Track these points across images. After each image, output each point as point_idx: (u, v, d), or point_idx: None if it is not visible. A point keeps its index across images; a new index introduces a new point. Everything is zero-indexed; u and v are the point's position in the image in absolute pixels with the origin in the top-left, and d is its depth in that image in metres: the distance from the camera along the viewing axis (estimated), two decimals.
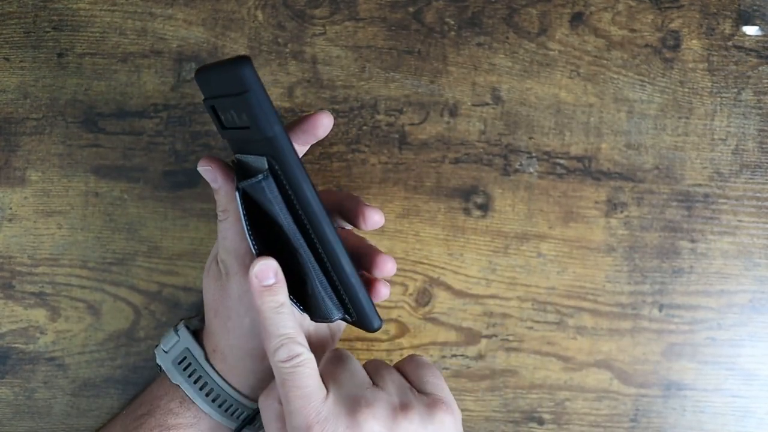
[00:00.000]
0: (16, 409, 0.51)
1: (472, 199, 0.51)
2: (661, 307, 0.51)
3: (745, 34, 0.52)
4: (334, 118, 0.51)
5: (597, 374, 0.51)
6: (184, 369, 0.45)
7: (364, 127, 0.51)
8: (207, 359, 0.45)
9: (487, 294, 0.51)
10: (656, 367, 0.51)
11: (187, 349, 0.45)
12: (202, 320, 0.49)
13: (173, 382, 0.45)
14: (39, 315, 0.51)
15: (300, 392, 0.38)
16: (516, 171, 0.51)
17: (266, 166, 0.37)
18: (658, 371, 0.51)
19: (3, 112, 0.51)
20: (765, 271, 0.51)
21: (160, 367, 0.47)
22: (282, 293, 0.39)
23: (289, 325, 0.39)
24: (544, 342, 0.51)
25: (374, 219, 0.41)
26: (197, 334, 0.47)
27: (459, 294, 0.51)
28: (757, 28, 0.52)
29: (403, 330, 0.51)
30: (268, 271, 0.39)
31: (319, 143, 0.51)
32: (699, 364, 0.51)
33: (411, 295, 0.51)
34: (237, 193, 0.39)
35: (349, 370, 0.40)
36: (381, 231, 0.51)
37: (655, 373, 0.51)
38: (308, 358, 0.39)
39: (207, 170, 0.42)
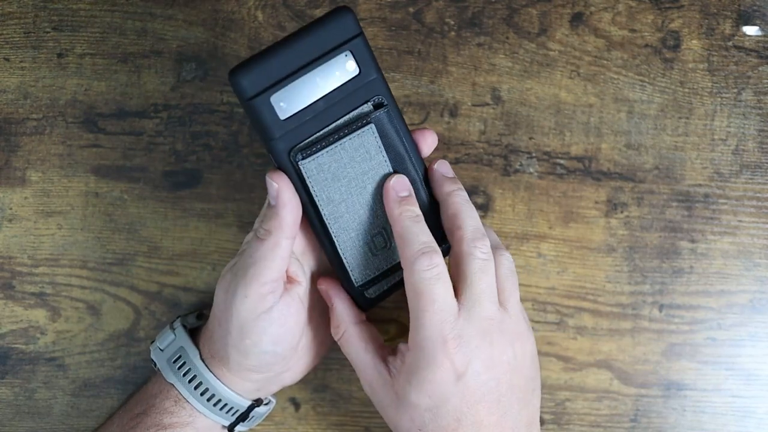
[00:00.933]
0: (16, 409, 0.51)
1: (472, 199, 0.51)
2: (661, 308, 0.51)
3: (745, 35, 0.52)
4: None
5: (597, 374, 0.51)
6: (179, 368, 0.44)
7: None
8: (202, 359, 0.44)
9: None
10: (656, 367, 0.51)
11: (183, 348, 0.45)
12: (199, 317, 0.49)
13: (168, 380, 0.45)
14: (39, 315, 0.51)
15: (436, 306, 0.39)
16: (516, 171, 0.51)
17: (371, 108, 0.40)
18: (659, 371, 0.51)
19: (3, 112, 0.51)
20: (765, 271, 0.51)
21: (154, 362, 0.47)
22: (417, 205, 0.41)
23: (428, 234, 0.40)
24: (545, 342, 0.51)
25: (428, 142, 0.43)
26: (194, 332, 0.47)
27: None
28: (757, 28, 0.52)
29: (403, 330, 0.51)
30: (404, 183, 0.41)
31: None
32: (699, 364, 0.51)
33: None
34: (340, 144, 0.40)
35: (478, 288, 0.40)
36: None
37: (655, 374, 0.51)
38: (445, 271, 0.40)
39: (272, 184, 0.40)
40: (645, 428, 0.51)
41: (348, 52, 0.39)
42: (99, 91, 0.51)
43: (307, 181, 0.40)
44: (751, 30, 0.52)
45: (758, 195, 0.51)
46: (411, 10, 0.52)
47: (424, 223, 0.40)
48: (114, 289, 0.51)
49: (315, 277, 0.44)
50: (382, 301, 0.44)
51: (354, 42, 0.38)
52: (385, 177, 0.41)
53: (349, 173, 0.40)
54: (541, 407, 0.51)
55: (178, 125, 0.51)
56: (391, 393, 0.41)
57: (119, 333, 0.51)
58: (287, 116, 0.38)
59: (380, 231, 0.42)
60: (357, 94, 0.39)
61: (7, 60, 0.51)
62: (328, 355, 0.50)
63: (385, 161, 0.41)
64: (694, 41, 0.52)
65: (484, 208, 0.51)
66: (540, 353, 0.51)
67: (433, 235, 0.41)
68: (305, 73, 0.38)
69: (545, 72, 0.52)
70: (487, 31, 0.52)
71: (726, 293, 0.51)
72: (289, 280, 0.42)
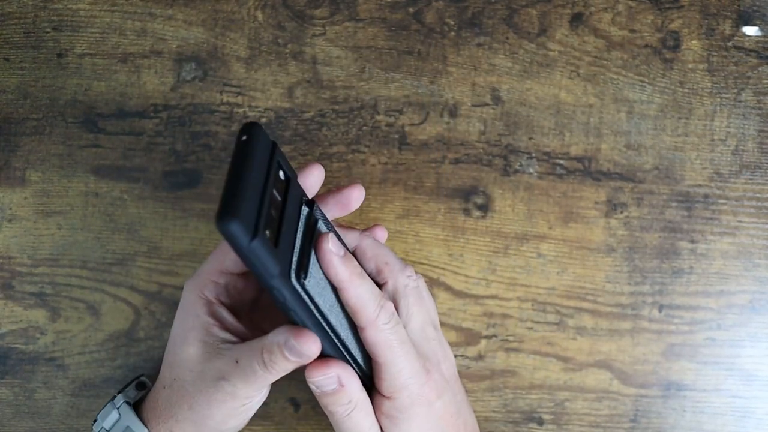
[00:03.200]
0: (16, 409, 0.51)
1: (471, 199, 0.51)
2: (660, 308, 0.51)
3: (745, 35, 0.52)
4: (334, 118, 0.51)
5: (597, 375, 0.51)
6: None
7: (364, 128, 0.51)
8: None
9: (487, 294, 0.51)
10: (656, 367, 0.51)
11: (129, 428, 0.44)
12: (139, 386, 0.47)
13: None
14: (39, 315, 0.51)
15: (405, 349, 0.41)
16: (516, 171, 0.51)
17: (308, 209, 0.40)
18: (658, 372, 0.51)
19: (3, 112, 0.51)
20: (765, 271, 0.51)
21: None
22: (353, 261, 0.40)
23: (374, 287, 0.41)
24: (544, 342, 0.51)
25: (353, 195, 0.43)
26: (137, 406, 0.45)
27: (459, 294, 0.51)
28: (757, 28, 0.52)
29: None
30: (336, 242, 0.39)
31: (319, 144, 0.51)
32: (699, 365, 0.51)
33: None
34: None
35: (418, 321, 0.43)
36: None
37: (654, 374, 0.51)
38: (396, 315, 0.41)
39: (333, 377, 0.39)
40: (644, 428, 0.51)
41: (278, 162, 0.36)
42: (99, 91, 0.51)
43: (315, 299, 0.37)
44: (750, 30, 0.52)
45: (758, 195, 0.51)
46: (411, 10, 0.52)
47: (366, 276, 0.40)
48: (114, 290, 0.51)
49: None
50: None
51: (276, 152, 0.36)
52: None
53: (321, 272, 0.39)
54: (541, 407, 0.51)
55: (177, 125, 0.51)
56: None
57: (119, 333, 0.51)
58: (276, 243, 0.35)
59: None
60: (294, 199, 0.38)
61: (7, 60, 0.51)
62: None
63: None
64: (693, 41, 0.52)
65: (483, 209, 0.51)
66: (540, 353, 0.51)
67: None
68: (266, 196, 0.35)
69: (545, 72, 0.52)
70: (487, 31, 0.52)
71: (726, 294, 0.51)
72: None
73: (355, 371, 0.41)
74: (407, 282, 0.42)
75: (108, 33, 0.51)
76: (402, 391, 0.40)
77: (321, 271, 0.39)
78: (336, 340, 0.40)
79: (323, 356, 0.39)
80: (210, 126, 0.51)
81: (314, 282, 0.38)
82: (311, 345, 0.37)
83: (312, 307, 0.37)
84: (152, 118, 0.51)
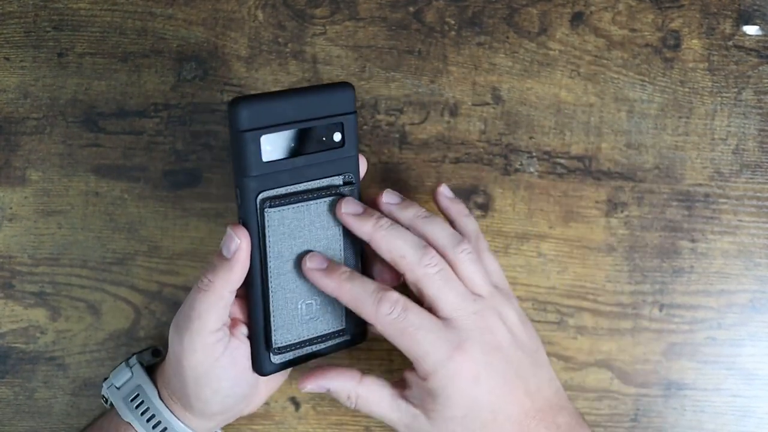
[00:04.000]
0: (16, 408, 0.51)
1: (472, 198, 0.51)
2: (661, 307, 0.51)
3: (745, 34, 0.52)
4: None
5: (597, 374, 0.51)
6: (137, 407, 0.44)
7: (365, 127, 0.51)
8: (161, 398, 0.44)
9: None
10: (656, 366, 0.51)
11: (140, 386, 0.45)
12: (155, 353, 0.49)
13: (124, 419, 0.44)
14: (39, 315, 0.51)
15: (422, 334, 0.40)
16: (516, 171, 0.51)
17: (341, 183, 0.42)
18: (659, 371, 0.51)
19: (3, 111, 0.51)
20: (765, 270, 0.51)
21: (105, 399, 0.46)
22: (342, 267, 0.42)
23: (372, 282, 0.41)
24: (545, 342, 0.51)
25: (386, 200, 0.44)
26: (150, 369, 0.46)
27: None
28: (757, 27, 0.52)
29: (405, 357, 0.51)
30: (320, 257, 0.41)
31: None
32: (699, 364, 0.51)
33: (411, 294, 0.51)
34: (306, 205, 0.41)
35: (448, 299, 0.41)
36: None
37: (655, 373, 0.51)
38: (408, 302, 0.41)
39: (234, 239, 0.39)
40: (645, 428, 0.51)
41: (340, 124, 0.41)
42: (99, 91, 0.51)
43: (267, 230, 0.40)
44: (751, 29, 0.52)
45: (758, 194, 0.51)
46: (411, 9, 0.52)
47: (361, 276, 0.41)
48: (114, 289, 0.51)
49: None
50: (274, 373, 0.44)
51: (348, 117, 0.41)
52: (335, 250, 0.42)
53: (305, 235, 0.41)
54: None
55: (178, 125, 0.51)
56: (425, 421, 0.41)
57: (119, 332, 0.51)
58: (268, 160, 0.39)
59: (313, 300, 0.43)
60: (334, 164, 0.41)
61: (8, 59, 0.51)
62: (327, 359, 0.50)
63: (339, 236, 0.42)
64: (694, 41, 0.52)
65: (484, 208, 0.51)
66: None
67: (352, 322, 0.44)
68: (298, 127, 0.39)
69: (545, 71, 0.52)
70: (488, 30, 0.52)
71: (726, 293, 0.51)
72: (232, 322, 0.42)
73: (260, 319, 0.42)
74: (425, 271, 0.41)
75: (108, 32, 0.51)
76: (434, 374, 0.40)
77: (303, 228, 0.41)
78: (261, 280, 0.41)
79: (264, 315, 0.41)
80: (210, 125, 0.51)
81: (279, 220, 0.40)
82: (241, 232, 0.39)
83: (258, 234, 0.40)
84: (153, 117, 0.51)
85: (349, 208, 0.41)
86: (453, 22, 0.52)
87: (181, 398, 0.43)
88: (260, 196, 0.40)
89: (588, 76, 0.52)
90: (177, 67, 0.51)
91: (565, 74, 0.52)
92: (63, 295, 0.51)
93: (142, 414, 0.44)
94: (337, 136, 0.41)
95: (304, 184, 0.41)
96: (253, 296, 0.41)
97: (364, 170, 0.44)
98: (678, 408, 0.51)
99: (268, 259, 0.41)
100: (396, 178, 0.51)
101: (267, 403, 0.50)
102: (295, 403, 0.51)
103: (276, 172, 0.40)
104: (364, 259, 0.44)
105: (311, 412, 0.51)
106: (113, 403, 0.45)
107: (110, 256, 0.51)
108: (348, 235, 0.42)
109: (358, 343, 0.45)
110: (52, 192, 0.51)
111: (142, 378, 0.45)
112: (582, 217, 0.51)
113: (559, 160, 0.51)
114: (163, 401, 0.44)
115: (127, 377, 0.46)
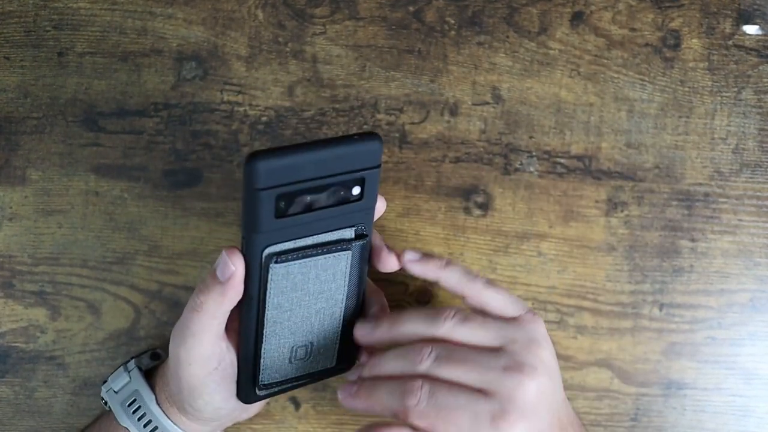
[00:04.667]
0: (16, 408, 0.51)
1: (472, 198, 0.51)
2: (661, 307, 0.51)
3: (745, 34, 0.52)
4: (334, 117, 0.51)
5: (597, 373, 0.51)
6: (134, 412, 0.44)
7: (365, 126, 0.51)
8: (158, 403, 0.44)
9: None
10: (656, 366, 0.51)
11: (137, 391, 0.45)
12: (154, 356, 0.49)
13: (121, 424, 0.44)
14: (39, 314, 0.51)
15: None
16: (516, 170, 0.51)
17: (353, 235, 0.40)
18: (659, 370, 0.51)
19: (3, 111, 0.51)
20: (765, 270, 0.51)
21: (105, 401, 0.46)
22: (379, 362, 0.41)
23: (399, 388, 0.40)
24: None
25: (390, 264, 0.42)
26: (149, 372, 0.46)
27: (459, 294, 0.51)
28: (757, 27, 0.52)
29: None
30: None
31: None
32: (699, 363, 0.51)
33: (411, 294, 0.51)
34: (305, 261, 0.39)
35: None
36: (381, 230, 0.51)
37: (655, 372, 0.51)
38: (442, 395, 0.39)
39: (229, 266, 0.38)
40: (645, 427, 0.51)
41: (362, 179, 0.38)
42: (99, 90, 0.51)
43: (269, 284, 0.39)
44: (751, 29, 0.52)
45: (758, 194, 0.51)
46: (411, 9, 0.52)
47: (375, 381, 0.40)
48: (114, 288, 0.51)
49: None
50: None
51: (371, 172, 0.38)
52: (337, 300, 0.41)
53: (309, 288, 0.40)
54: None
55: (178, 124, 0.51)
56: None
57: (119, 332, 0.51)
58: (280, 216, 0.37)
59: (306, 345, 0.42)
60: (347, 216, 0.39)
61: (8, 59, 0.51)
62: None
63: (344, 287, 0.41)
64: (694, 40, 0.52)
65: (484, 207, 0.51)
66: None
67: (344, 357, 0.44)
68: (316, 184, 0.37)
69: (545, 71, 0.52)
70: (488, 30, 0.52)
71: (726, 292, 0.51)
72: (229, 335, 0.42)
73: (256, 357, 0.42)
74: (427, 367, 0.39)
75: (108, 32, 0.51)
76: None
77: (307, 282, 0.40)
78: (256, 324, 0.40)
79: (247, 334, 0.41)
80: (210, 125, 0.51)
81: (284, 275, 0.39)
82: (236, 258, 0.38)
83: (259, 284, 0.39)
84: (153, 116, 0.51)
85: (411, 256, 0.41)
86: (453, 21, 0.52)
87: (177, 402, 0.43)
88: (266, 251, 0.38)
89: (588, 75, 0.52)
90: (177, 67, 0.51)
91: (565, 74, 0.52)
92: (63, 294, 0.51)
93: (139, 419, 0.44)
94: (356, 190, 0.38)
95: (313, 237, 0.39)
96: (245, 334, 0.41)
97: (383, 211, 0.42)
98: (678, 407, 0.51)
99: (266, 310, 0.40)
100: (396, 177, 0.51)
101: (267, 403, 0.50)
102: (295, 402, 0.51)
103: (286, 227, 0.38)
104: (363, 304, 0.44)
105: (311, 411, 0.51)
106: (111, 407, 0.45)
107: (110, 256, 0.51)
108: (351, 285, 0.41)
109: (345, 371, 0.45)
110: (52, 191, 0.51)
111: (139, 383, 0.45)
112: (582, 217, 0.51)
113: (559, 159, 0.51)
114: (159, 405, 0.44)
115: (125, 382, 0.46)
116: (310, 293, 0.40)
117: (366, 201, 0.39)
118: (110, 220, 0.51)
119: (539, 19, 0.52)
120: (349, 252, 0.40)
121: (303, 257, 0.39)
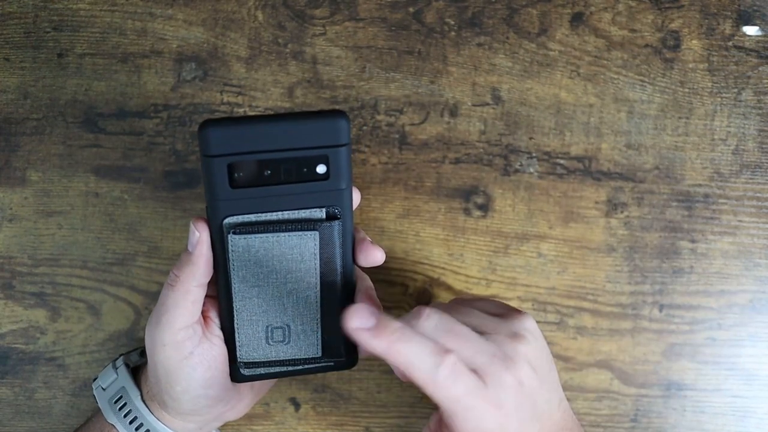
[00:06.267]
0: (16, 409, 0.51)
1: (472, 199, 0.51)
2: (661, 308, 0.51)
3: (745, 35, 0.52)
4: None
5: (597, 374, 0.51)
6: (120, 409, 0.44)
7: (365, 127, 0.51)
8: (143, 399, 0.44)
9: (488, 294, 0.51)
10: (656, 367, 0.51)
11: (124, 388, 0.45)
12: (143, 353, 0.48)
13: (108, 421, 0.44)
14: (39, 315, 0.51)
15: (475, 413, 0.37)
16: (516, 171, 0.51)
17: (323, 216, 0.39)
18: (659, 371, 0.51)
19: (3, 112, 0.51)
20: (765, 271, 0.51)
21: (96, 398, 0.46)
22: (392, 324, 0.36)
23: (426, 340, 0.37)
24: None
25: (374, 258, 0.41)
26: (136, 371, 0.46)
27: (459, 294, 0.51)
28: (757, 28, 0.52)
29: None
30: (364, 312, 0.36)
31: None
32: (699, 364, 0.51)
33: (411, 295, 0.51)
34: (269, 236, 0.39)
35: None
36: (381, 231, 0.51)
37: (655, 374, 0.51)
38: (461, 364, 0.37)
39: (194, 233, 0.39)
40: (645, 428, 0.51)
41: (325, 156, 0.37)
42: (99, 91, 0.51)
43: (230, 254, 0.39)
44: (751, 30, 0.52)
45: (758, 195, 0.51)
46: (411, 10, 0.52)
47: (413, 333, 0.36)
48: (114, 289, 0.51)
49: None
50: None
51: (336, 149, 0.37)
52: (310, 283, 0.40)
53: (275, 265, 0.40)
54: None
55: (178, 125, 0.51)
56: None
57: (119, 333, 0.51)
58: (238, 186, 0.37)
59: (283, 327, 0.42)
60: (315, 196, 0.39)
61: (8, 60, 0.51)
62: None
63: (315, 269, 0.40)
64: (694, 41, 0.52)
65: (484, 208, 0.51)
66: None
67: (334, 348, 0.42)
68: (273, 157, 0.37)
69: (545, 72, 0.52)
70: (488, 31, 0.52)
71: (726, 293, 0.51)
72: (208, 324, 0.42)
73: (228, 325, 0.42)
74: (443, 383, 0.36)
75: (108, 33, 0.51)
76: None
77: (271, 259, 0.40)
78: (225, 297, 0.41)
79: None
80: None
81: (244, 248, 0.39)
82: (200, 226, 0.39)
83: (223, 255, 0.39)
84: (152, 118, 0.51)
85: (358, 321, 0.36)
86: (453, 22, 0.52)
87: (157, 395, 0.43)
88: (226, 221, 0.38)
89: (588, 76, 0.52)
90: (177, 68, 0.51)
91: (565, 75, 0.52)
92: (63, 295, 0.51)
93: (125, 416, 0.44)
94: (321, 168, 0.38)
95: (278, 213, 0.39)
96: (222, 308, 0.41)
97: (357, 203, 0.41)
98: (678, 408, 0.51)
99: (232, 281, 0.40)
100: (396, 178, 0.51)
101: (267, 404, 0.50)
102: (295, 403, 0.51)
103: (246, 198, 0.38)
104: (346, 292, 0.42)
105: (311, 412, 0.51)
106: (99, 404, 0.45)
107: (110, 257, 0.51)
108: (327, 270, 0.41)
109: (347, 368, 0.44)
110: (52, 192, 0.51)
111: (125, 380, 0.45)
112: (582, 218, 0.51)
113: (559, 160, 0.51)
114: (144, 402, 0.44)
115: (113, 379, 0.46)
116: (276, 271, 0.40)
117: (334, 181, 0.38)
118: (110, 221, 0.51)
119: (539, 20, 0.52)
120: (317, 233, 0.39)
121: (264, 231, 0.39)
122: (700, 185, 0.51)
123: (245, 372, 0.43)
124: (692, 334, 0.51)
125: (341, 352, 0.43)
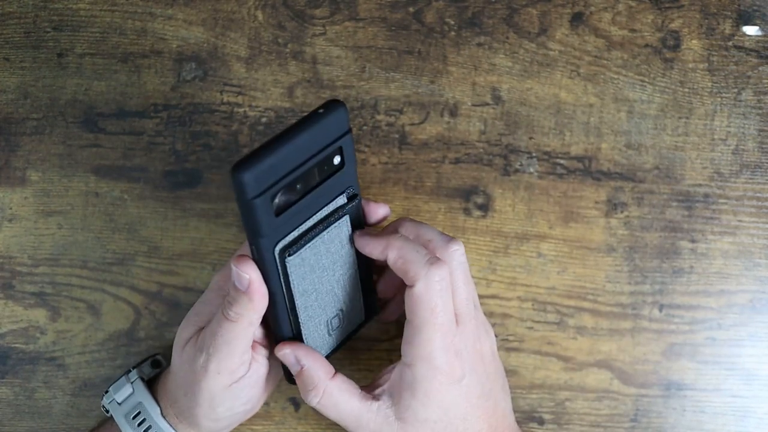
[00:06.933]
0: (16, 409, 0.51)
1: (472, 199, 0.51)
2: (661, 307, 0.51)
3: (745, 34, 0.52)
4: None
5: (597, 374, 0.51)
6: (139, 425, 0.44)
7: (365, 127, 0.51)
8: (163, 415, 0.44)
9: (488, 294, 0.51)
10: (656, 367, 0.51)
11: (142, 404, 0.45)
12: (155, 364, 0.49)
13: None
14: (39, 315, 0.51)
15: (442, 318, 0.39)
16: (516, 171, 0.51)
17: (346, 200, 0.41)
18: (659, 371, 0.51)
19: (3, 112, 0.51)
20: (765, 271, 0.51)
21: (107, 409, 0.46)
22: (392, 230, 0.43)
23: (423, 249, 0.41)
24: (545, 342, 0.51)
25: (379, 213, 0.43)
26: (151, 382, 0.46)
27: None
28: (757, 28, 0.52)
29: (403, 330, 0.51)
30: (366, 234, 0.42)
31: None
32: (699, 364, 0.51)
33: None
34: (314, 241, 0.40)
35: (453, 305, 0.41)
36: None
37: (655, 373, 0.51)
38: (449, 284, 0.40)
39: (243, 276, 0.39)
40: (645, 428, 0.51)
41: (339, 147, 0.39)
42: (99, 91, 0.51)
43: (290, 277, 0.40)
44: (751, 30, 0.52)
45: (758, 195, 0.51)
46: (411, 9, 0.52)
47: (410, 240, 0.41)
48: (114, 289, 0.51)
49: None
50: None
51: (345, 138, 0.38)
52: (351, 262, 0.43)
53: (324, 263, 0.41)
54: (542, 407, 0.51)
55: (178, 125, 0.51)
56: (394, 423, 0.40)
57: (119, 333, 0.51)
58: (280, 212, 0.37)
59: (338, 313, 0.44)
60: (335, 185, 0.40)
61: (7, 60, 0.51)
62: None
63: (353, 252, 0.43)
64: (694, 41, 0.52)
65: (483, 208, 0.51)
66: (540, 353, 0.51)
67: (367, 303, 0.45)
68: (302, 171, 0.37)
69: (545, 72, 0.52)
70: (487, 31, 0.52)
71: (726, 293, 0.51)
72: (253, 346, 0.42)
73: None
74: (453, 256, 0.40)
75: (108, 33, 0.51)
76: (425, 362, 0.39)
77: (321, 259, 0.41)
78: (289, 317, 0.41)
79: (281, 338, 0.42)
80: (210, 126, 0.51)
81: (300, 263, 0.40)
82: (247, 267, 0.38)
83: (281, 280, 0.40)
84: (152, 117, 0.51)
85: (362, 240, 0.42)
86: (453, 22, 0.52)
87: (189, 417, 0.43)
88: (277, 248, 0.38)
89: (588, 76, 0.52)
90: (177, 68, 0.51)
91: (564, 74, 0.52)
92: (63, 295, 0.51)
93: None
94: (337, 159, 0.39)
95: (314, 217, 0.40)
96: (280, 330, 0.42)
97: (384, 215, 0.43)
98: (678, 408, 0.51)
99: (295, 299, 0.41)
100: (396, 178, 0.51)
101: (267, 404, 0.50)
102: (295, 403, 0.51)
103: (288, 219, 0.38)
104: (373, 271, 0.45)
105: (311, 412, 0.51)
106: (115, 418, 0.45)
107: (110, 257, 0.51)
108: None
109: (370, 321, 0.47)
110: (52, 192, 0.51)
111: (143, 395, 0.45)
112: (582, 218, 0.51)
113: (558, 160, 0.51)
114: (165, 418, 0.44)
115: (128, 393, 0.45)
116: (326, 268, 0.41)
117: (348, 166, 0.40)
118: (110, 221, 0.51)
119: (539, 20, 0.52)
120: (347, 216, 0.41)
121: (310, 239, 0.40)
122: (700, 185, 0.51)
123: None
124: (692, 334, 0.51)
125: (376, 306, 0.46)
